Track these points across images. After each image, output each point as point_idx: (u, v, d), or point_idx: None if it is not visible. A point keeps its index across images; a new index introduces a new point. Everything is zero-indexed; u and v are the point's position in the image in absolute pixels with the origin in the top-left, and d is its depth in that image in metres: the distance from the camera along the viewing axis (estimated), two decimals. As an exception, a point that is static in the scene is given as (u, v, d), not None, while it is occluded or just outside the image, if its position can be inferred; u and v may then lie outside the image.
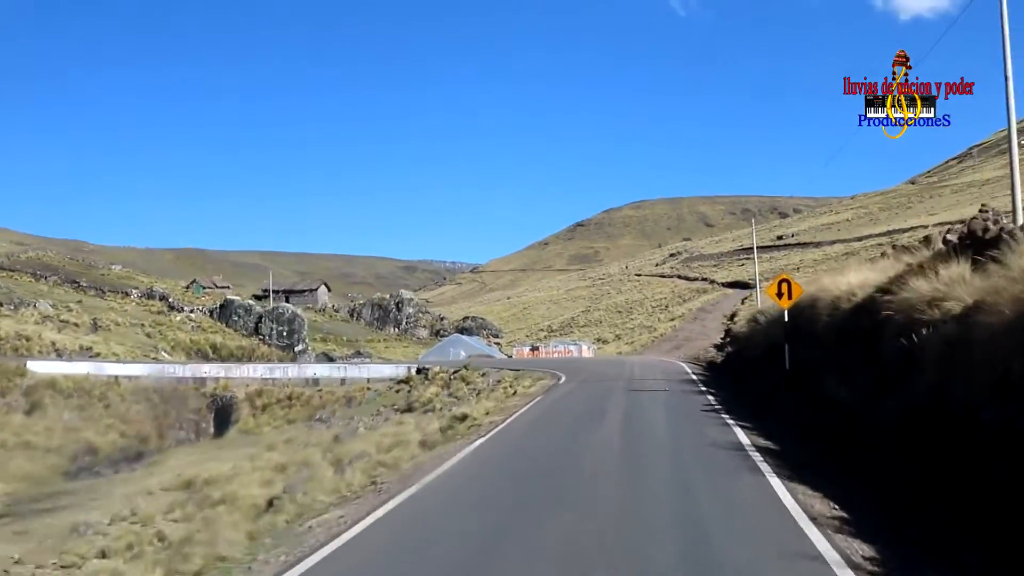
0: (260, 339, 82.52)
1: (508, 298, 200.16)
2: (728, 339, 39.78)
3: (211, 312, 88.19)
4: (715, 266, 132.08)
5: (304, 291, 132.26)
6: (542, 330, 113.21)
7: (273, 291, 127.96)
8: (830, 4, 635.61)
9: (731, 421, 15.61)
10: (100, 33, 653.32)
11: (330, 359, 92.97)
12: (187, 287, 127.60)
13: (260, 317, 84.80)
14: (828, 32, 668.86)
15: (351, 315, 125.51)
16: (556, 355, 60.99)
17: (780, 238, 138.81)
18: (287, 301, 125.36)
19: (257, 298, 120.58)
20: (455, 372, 37.34)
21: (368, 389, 41.72)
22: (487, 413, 19.29)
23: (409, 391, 37.36)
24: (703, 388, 24.44)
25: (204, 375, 43.63)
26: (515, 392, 25.42)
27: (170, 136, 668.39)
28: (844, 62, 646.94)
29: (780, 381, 17.37)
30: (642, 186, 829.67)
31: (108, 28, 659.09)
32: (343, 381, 44.47)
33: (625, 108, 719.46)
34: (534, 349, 66.47)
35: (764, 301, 34.26)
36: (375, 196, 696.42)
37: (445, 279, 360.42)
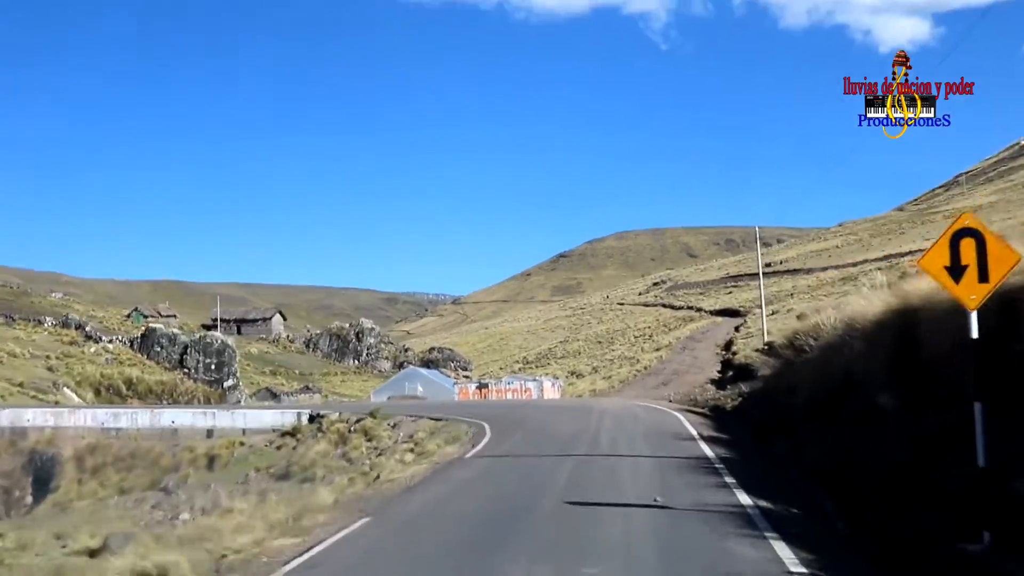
0: (185, 372, 71.98)
1: (485, 328, 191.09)
2: (731, 374, 30.15)
3: (132, 342, 77.41)
4: (701, 294, 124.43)
5: (257, 320, 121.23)
6: (517, 361, 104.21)
7: (222, 320, 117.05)
8: (810, 37, 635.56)
9: None
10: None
11: (273, 395, 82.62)
12: (127, 315, 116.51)
13: (186, 347, 74.20)
14: (808, 64, 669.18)
15: (307, 346, 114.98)
16: (510, 394, 50.27)
17: (768, 265, 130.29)
18: (238, 331, 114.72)
19: (206, 328, 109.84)
20: (358, 421, 27.21)
21: (241, 444, 31.23)
22: (238, 552, 9.16)
23: (295, 447, 27.15)
24: (738, 494, 11.33)
25: (26, 424, 32.93)
26: (377, 476, 14.89)
27: (159, 168, 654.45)
28: (823, 93, 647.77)
29: (949, 493, 6.95)
30: (625, 217, 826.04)
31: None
32: (210, 432, 33.62)
33: (609, 138, 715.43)
34: (482, 387, 54.41)
35: (777, 323, 24.45)
36: (359, 228, 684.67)
37: (427, 311, 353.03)
